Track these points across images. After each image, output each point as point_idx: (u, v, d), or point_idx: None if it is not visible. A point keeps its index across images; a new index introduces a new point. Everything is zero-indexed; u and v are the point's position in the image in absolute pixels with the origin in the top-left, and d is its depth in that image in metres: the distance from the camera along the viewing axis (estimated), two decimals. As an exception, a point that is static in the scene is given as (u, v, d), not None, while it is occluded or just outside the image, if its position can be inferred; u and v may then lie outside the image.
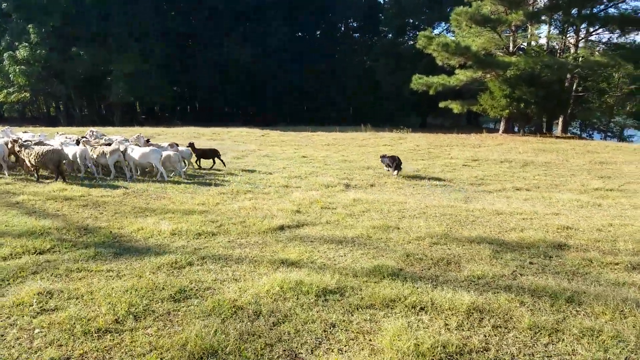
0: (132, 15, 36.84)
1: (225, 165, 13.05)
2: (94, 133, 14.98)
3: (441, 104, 30.41)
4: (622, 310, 3.91)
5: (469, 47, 25.67)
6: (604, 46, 27.45)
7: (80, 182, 10.27)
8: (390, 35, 48.32)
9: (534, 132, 28.26)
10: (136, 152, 10.82)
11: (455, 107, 29.45)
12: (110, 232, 6.42)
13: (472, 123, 46.58)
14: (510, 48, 27.98)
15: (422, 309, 4.02)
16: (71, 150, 11.09)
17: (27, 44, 34.40)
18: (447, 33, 41.54)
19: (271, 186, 10.43)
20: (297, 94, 46.44)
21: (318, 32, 50.57)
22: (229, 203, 8.56)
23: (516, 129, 29.30)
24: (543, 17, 26.98)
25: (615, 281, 4.67)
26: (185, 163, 12.66)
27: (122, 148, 11.10)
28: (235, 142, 21.56)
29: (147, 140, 13.67)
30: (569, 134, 28.30)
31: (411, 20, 44.71)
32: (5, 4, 34.95)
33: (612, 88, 26.98)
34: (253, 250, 5.77)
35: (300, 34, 49.27)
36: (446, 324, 3.75)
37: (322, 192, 9.68)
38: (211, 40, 40.99)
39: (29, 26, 34.49)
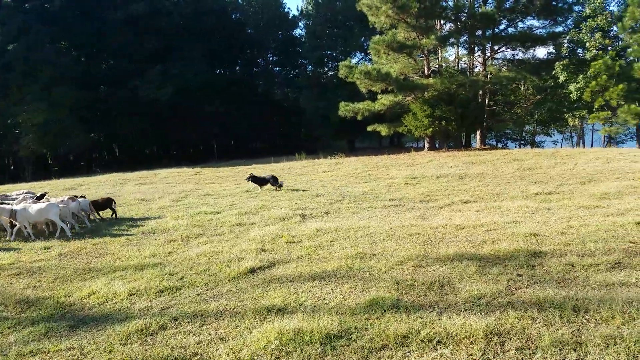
0: (36, 63, 33.96)
1: (116, 217, 11.61)
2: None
3: (369, 128, 31.46)
4: (629, 313, 3.98)
5: (389, 73, 27.01)
6: (509, 63, 30.56)
7: (3, 246, 8.84)
8: (311, 67, 49.74)
9: (454, 147, 30.21)
10: (32, 209, 9.52)
11: (383, 129, 30.63)
12: (57, 301, 5.52)
13: (395, 143, 48.84)
14: (426, 71, 29.96)
15: (439, 342, 3.77)
16: None
17: None
18: (364, 61, 43.72)
19: (223, 226, 9.78)
20: (223, 129, 45.60)
21: (238, 68, 50.58)
22: (183, 250, 7.81)
23: (437, 145, 31.14)
24: (452, 40, 29.40)
25: (604, 282, 4.81)
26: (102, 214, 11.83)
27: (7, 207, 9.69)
28: (167, 183, 20.27)
29: (42, 196, 12.44)
30: (487, 146, 30.73)
31: (329, 52, 46.40)
32: None
33: (520, 100, 29.93)
34: (230, 300, 5.19)
35: (220, 70, 48.92)
36: (470, 355, 3.53)
37: (280, 226, 9.25)
38: (124, 82, 38.92)
39: None
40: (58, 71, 35.10)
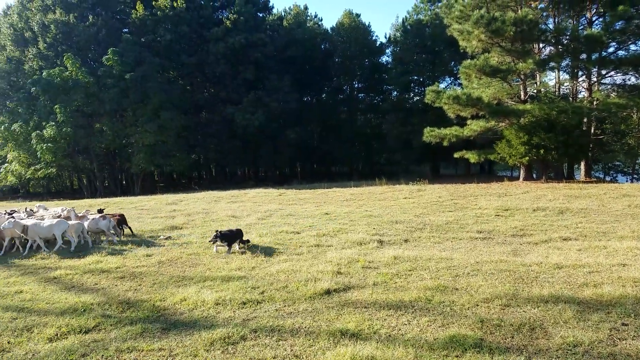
0: (148, 90, 38.24)
1: (132, 233, 12.38)
2: (39, 207, 15.07)
3: (456, 154, 30.21)
4: None
5: (480, 98, 25.90)
6: (619, 88, 27.45)
7: (111, 252, 9.98)
8: (396, 93, 49.59)
9: (554, 178, 27.72)
10: (44, 224, 10.29)
11: (472, 156, 29.21)
12: (154, 305, 6.09)
13: (486, 171, 46.23)
14: (522, 96, 28.22)
15: (526, 389, 3.43)
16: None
17: (53, 123, 35.52)
18: (453, 86, 42.53)
19: (302, 246, 10.00)
20: (307, 153, 47.15)
21: (324, 95, 52.20)
22: (265, 266, 8.12)
23: (534, 175, 28.82)
24: (552, 64, 27.38)
25: None
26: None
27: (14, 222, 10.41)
28: (255, 202, 21.36)
29: (101, 211, 13.65)
30: (593, 178, 27.73)
31: (416, 77, 45.95)
32: (34, 88, 36.64)
33: (633, 129, 26.72)
34: (305, 319, 5.25)
35: (307, 98, 50.90)
36: (563, 409, 3.16)
37: (357, 251, 9.20)
38: (221, 109, 42.20)
39: (55, 106, 35.82)
40: (166, 98, 39.17)
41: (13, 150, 38.43)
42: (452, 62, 42.73)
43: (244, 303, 5.97)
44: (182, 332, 5.05)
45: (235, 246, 9.77)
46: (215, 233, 9.57)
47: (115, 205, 24.12)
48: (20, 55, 41.67)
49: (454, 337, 4.42)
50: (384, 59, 50.66)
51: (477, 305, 5.47)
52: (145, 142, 37.50)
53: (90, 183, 42.79)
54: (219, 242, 9.48)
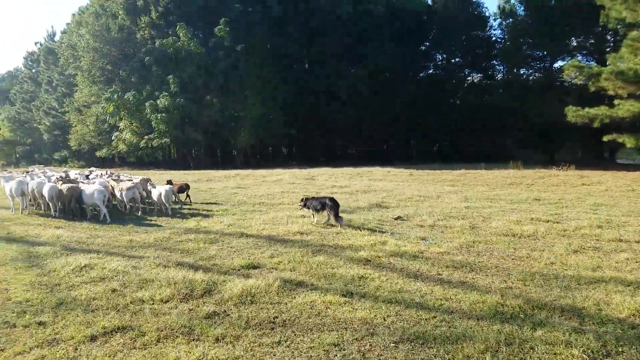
0: (256, 63, 37.56)
1: (190, 201, 13.42)
2: (113, 174, 15.66)
3: (605, 138, 27.05)
4: None
5: (649, 75, 22.69)
6: None
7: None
8: (505, 70, 46.14)
9: None
10: (85, 192, 10.43)
11: (629, 141, 25.87)
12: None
13: (607, 160, 41.61)
14: (696, 74, 24.45)
15: None
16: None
17: (167, 94, 35.37)
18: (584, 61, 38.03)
19: (602, 240, 8.35)
20: (412, 133, 45.28)
21: (430, 71, 50.18)
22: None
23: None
24: None
25: None
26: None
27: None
28: (405, 182, 20.01)
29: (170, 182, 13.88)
30: None
31: (536, 53, 41.77)
32: (148, 58, 36.93)
33: None
34: None
35: (411, 73, 48.54)
36: None
37: None
38: (323, 76, 41.08)
39: (169, 77, 35.76)
40: (273, 70, 38.66)
41: (125, 119, 38.88)
42: (581, 37, 38.34)
43: None
44: None
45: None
46: None
47: (250, 177, 23.64)
48: (131, 24, 41.76)
49: None
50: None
51: None
52: (252, 115, 37.05)
53: (190, 155, 43.10)
54: None
